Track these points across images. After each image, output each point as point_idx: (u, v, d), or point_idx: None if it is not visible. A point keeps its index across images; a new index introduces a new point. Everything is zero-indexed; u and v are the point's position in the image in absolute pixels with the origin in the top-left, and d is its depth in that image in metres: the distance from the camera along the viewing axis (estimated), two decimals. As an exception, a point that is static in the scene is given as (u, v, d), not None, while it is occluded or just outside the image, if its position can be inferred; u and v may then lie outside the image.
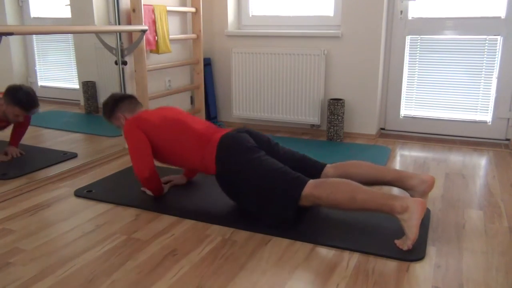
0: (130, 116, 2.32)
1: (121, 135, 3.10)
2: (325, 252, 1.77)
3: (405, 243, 1.75)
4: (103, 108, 2.37)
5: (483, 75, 3.27)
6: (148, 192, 2.29)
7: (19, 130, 2.73)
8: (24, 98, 2.58)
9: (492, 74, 3.25)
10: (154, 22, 3.14)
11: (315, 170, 2.14)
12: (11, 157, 2.70)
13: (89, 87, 3.13)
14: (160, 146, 2.17)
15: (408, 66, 3.48)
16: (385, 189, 2.36)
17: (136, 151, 2.15)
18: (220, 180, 2.09)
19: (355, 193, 1.80)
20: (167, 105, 3.50)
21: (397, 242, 1.79)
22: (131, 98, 2.40)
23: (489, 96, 3.29)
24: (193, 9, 3.55)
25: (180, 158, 2.16)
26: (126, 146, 3.11)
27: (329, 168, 2.15)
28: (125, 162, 2.91)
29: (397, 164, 2.88)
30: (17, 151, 2.72)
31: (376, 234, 1.90)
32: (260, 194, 1.94)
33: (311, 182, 1.89)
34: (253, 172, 1.95)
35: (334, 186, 1.84)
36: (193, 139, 2.11)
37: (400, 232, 1.85)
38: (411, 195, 2.03)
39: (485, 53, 3.22)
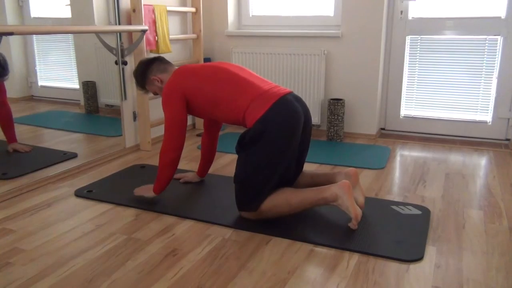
0: (164, 77, 2.21)
1: (121, 135, 3.10)
2: (325, 252, 1.77)
3: (352, 223, 1.92)
4: (135, 78, 2.30)
5: (483, 75, 3.27)
6: (147, 194, 2.23)
7: (3, 122, 2.65)
8: None
9: (492, 74, 3.25)
10: (154, 22, 3.14)
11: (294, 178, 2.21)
12: (24, 151, 2.68)
13: (89, 87, 3.13)
14: (204, 93, 2.06)
15: (408, 66, 3.48)
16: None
17: (170, 127, 2.08)
18: (244, 136, 1.98)
19: (289, 197, 1.95)
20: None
21: (349, 225, 1.94)
22: (160, 59, 2.28)
23: (489, 96, 3.29)
24: (193, 9, 3.55)
25: (225, 105, 2.03)
26: (126, 146, 3.11)
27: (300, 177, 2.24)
28: (125, 162, 2.91)
29: (397, 164, 2.88)
30: (23, 146, 2.70)
31: (375, 234, 1.90)
32: (249, 175, 1.95)
33: (265, 202, 1.96)
34: (259, 158, 1.92)
35: (273, 198, 1.96)
36: (243, 86, 2.01)
37: (399, 230, 1.85)
38: None
39: (485, 53, 3.22)
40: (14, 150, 2.68)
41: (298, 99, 2.05)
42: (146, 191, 2.24)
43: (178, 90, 2.10)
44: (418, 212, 2.11)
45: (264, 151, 1.92)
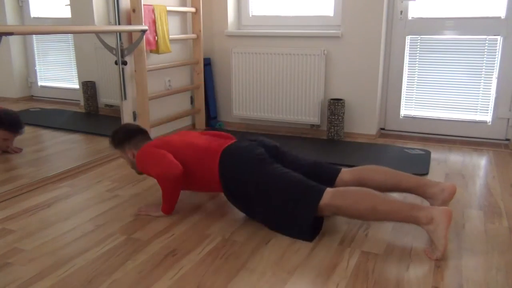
0: (136, 152, 2.17)
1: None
2: (325, 252, 1.77)
3: (434, 253, 1.71)
4: (112, 139, 2.25)
5: (483, 75, 3.27)
6: (155, 214, 2.09)
7: None
8: (8, 119, 2.58)
9: (492, 74, 3.25)
10: (154, 22, 3.14)
11: (330, 175, 2.05)
12: (14, 152, 2.69)
13: (89, 87, 3.13)
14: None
15: (408, 66, 3.48)
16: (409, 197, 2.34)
17: (158, 159, 2.01)
18: (228, 195, 2.02)
19: (378, 204, 1.74)
20: (167, 105, 3.51)
21: (426, 250, 1.74)
22: (143, 134, 2.25)
23: (489, 96, 3.29)
24: (193, 9, 3.55)
25: (196, 181, 2.07)
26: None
27: (345, 173, 2.05)
28: (125, 161, 2.91)
29: (397, 164, 2.88)
30: (13, 148, 2.71)
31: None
32: (273, 207, 1.87)
33: (328, 191, 1.80)
34: (263, 185, 1.88)
35: (355, 196, 1.77)
36: (200, 157, 2.02)
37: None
38: (431, 204, 1.97)
39: (485, 53, 3.22)
40: (3, 152, 2.69)
41: (246, 139, 2.10)
42: (154, 210, 2.11)
43: (155, 147, 2.08)
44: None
45: (253, 184, 1.90)
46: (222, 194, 2.25)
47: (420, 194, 1.99)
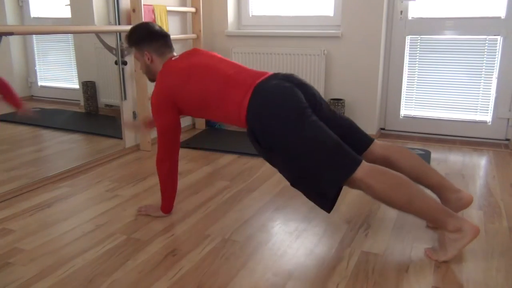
0: (156, 60, 2.00)
1: (121, 137, 3.09)
2: (325, 251, 1.77)
3: (437, 255, 1.69)
4: (131, 33, 2.03)
5: (483, 75, 3.27)
6: (155, 214, 2.08)
7: (3, 93, 2.62)
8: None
9: (492, 74, 3.25)
10: (154, 22, 3.14)
11: (362, 143, 1.91)
12: (32, 113, 2.64)
13: (89, 87, 3.13)
14: (194, 100, 1.88)
15: (408, 66, 3.48)
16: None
17: (163, 135, 1.93)
18: (252, 139, 1.79)
19: (413, 198, 1.64)
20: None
21: (427, 251, 1.73)
22: (165, 40, 2.02)
23: (489, 96, 3.29)
24: (193, 9, 3.55)
25: (217, 111, 1.87)
26: (126, 146, 3.11)
27: (377, 146, 1.92)
28: (125, 161, 2.91)
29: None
30: (31, 110, 2.65)
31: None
32: (303, 165, 1.69)
33: (365, 165, 1.66)
34: (298, 139, 1.68)
35: (393, 182, 1.65)
36: (228, 88, 1.81)
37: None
38: (443, 204, 1.90)
39: (485, 53, 3.22)
40: (23, 115, 2.63)
41: (286, 77, 1.84)
42: (153, 210, 2.09)
43: (165, 97, 1.91)
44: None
45: (284, 135, 1.69)
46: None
47: (437, 193, 1.93)
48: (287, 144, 1.70)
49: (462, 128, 3.42)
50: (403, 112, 3.58)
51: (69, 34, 2.98)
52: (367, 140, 1.93)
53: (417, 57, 3.43)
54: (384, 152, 1.91)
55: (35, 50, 2.88)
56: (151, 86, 3.25)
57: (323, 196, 1.71)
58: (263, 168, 2.78)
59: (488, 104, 3.31)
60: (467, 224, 1.66)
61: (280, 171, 1.81)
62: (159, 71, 2.00)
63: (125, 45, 2.07)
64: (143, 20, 2.97)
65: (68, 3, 2.88)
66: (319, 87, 3.46)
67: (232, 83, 1.81)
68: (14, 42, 2.76)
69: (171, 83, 1.90)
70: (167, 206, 2.07)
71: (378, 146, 1.93)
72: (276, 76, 1.84)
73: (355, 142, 1.89)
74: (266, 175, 2.64)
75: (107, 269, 1.64)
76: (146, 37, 1.99)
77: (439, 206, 1.67)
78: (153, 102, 1.94)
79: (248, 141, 3.27)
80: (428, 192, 1.99)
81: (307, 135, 1.69)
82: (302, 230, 1.95)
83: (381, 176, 1.65)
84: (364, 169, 1.65)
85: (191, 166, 2.82)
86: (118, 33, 2.93)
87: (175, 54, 2.05)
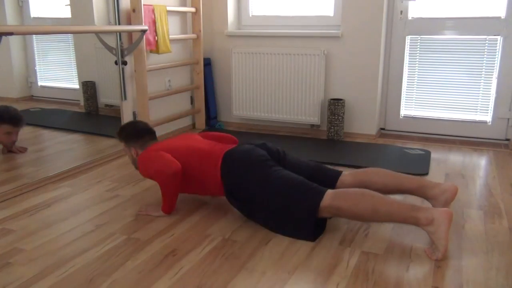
0: (140, 152, 2.20)
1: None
2: (325, 252, 1.77)
3: (434, 253, 1.71)
4: (121, 131, 2.26)
5: (483, 75, 3.27)
6: (155, 213, 2.10)
7: None
8: (8, 113, 2.60)
9: (492, 74, 3.25)
10: (154, 22, 3.14)
11: (331, 178, 2.07)
12: (19, 152, 2.71)
13: (89, 87, 3.13)
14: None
15: (408, 66, 3.48)
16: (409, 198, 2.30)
17: (157, 158, 2.04)
18: (230, 198, 2.02)
19: (378, 205, 1.75)
20: (167, 105, 3.51)
21: (426, 250, 1.74)
22: (151, 135, 2.26)
23: (489, 96, 3.29)
24: (193, 9, 3.55)
25: (198, 185, 2.08)
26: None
27: (346, 176, 2.07)
28: (125, 161, 2.91)
29: (397, 164, 2.88)
30: (18, 147, 2.72)
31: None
32: (275, 209, 1.88)
33: (329, 192, 1.82)
34: (265, 187, 1.89)
35: (355, 197, 1.78)
36: (203, 161, 2.04)
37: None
38: (433, 205, 1.97)
39: (485, 53, 3.22)
40: (9, 151, 2.69)
41: (249, 143, 2.12)
42: (154, 210, 2.12)
43: (156, 150, 2.09)
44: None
45: (253, 186, 1.91)
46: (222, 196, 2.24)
47: (422, 196, 2.00)
48: (258, 191, 1.90)
49: (462, 128, 3.42)
50: (403, 112, 3.58)
51: (69, 34, 2.98)
52: (335, 174, 2.09)
53: (417, 57, 3.43)
54: (356, 178, 2.05)
55: (35, 50, 2.88)
56: (151, 86, 3.25)
57: (303, 229, 1.84)
58: (263, 168, 2.77)
59: (488, 104, 3.31)
60: (437, 212, 1.71)
61: (261, 221, 1.97)
62: None
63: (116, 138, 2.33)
64: (143, 20, 2.97)
65: (68, 3, 2.88)
66: (319, 87, 3.46)
67: (207, 157, 2.05)
68: (14, 42, 2.76)
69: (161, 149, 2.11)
70: (168, 207, 2.08)
71: (348, 175, 2.07)
72: (241, 143, 2.12)
73: (325, 178, 2.07)
74: (266, 175, 2.64)
75: (107, 269, 1.64)
76: (132, 135, 2.23)
77: (404, 205, 1.75)
78: (144, 156, 2.11)
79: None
80: (416, 199, 2.11)
81: (273, 179, 1.89)
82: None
83: (344, 196, 1.80)
84: (329, 196, 1.81)
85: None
86: (118, 33, 2.93)
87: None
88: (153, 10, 3.12)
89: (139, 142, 2.21)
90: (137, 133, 2.23)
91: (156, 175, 2.02)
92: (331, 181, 2.06)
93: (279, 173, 1.93)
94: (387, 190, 1.99)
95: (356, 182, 2.03)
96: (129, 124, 2.32)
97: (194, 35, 3.60)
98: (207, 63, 3.86)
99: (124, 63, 3.00)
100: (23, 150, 2.74)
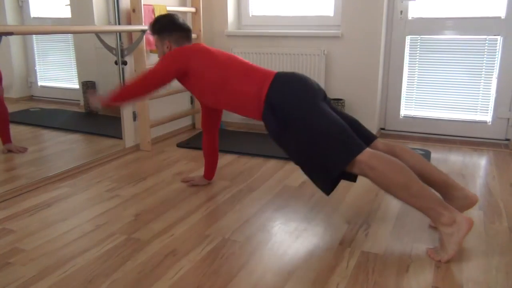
0: (174, 47, 2.15)
1: (121, 137, 3.10)
2: (325, 252, 1.77)
3: (439, 255, 1.69)
4: (155, 22, 2.17)
5: (483, 75, 3.27)
6: (202, 182, 2.44)
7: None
8: None
9: (492, 74, 3.25)
10: (154, 22, 3.13)
11: (365, 138, 1.97)
12: (19, 152, 2.69)
13: (89, 87, 3.13)
14: (211, 78, 2.01)
15: (408, 66, 3.48)
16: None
17: (144, 80, 2.02)
18: (269, 116, 1.91)
19: (412, 182, 1.69)
20: (167, 105, 3.51)
21: (429, 251, 1.73)
22: (187, 31, 2.19)
23: (489, 96, 3.29)
24: (193, 9, 3.55)
25: (236, 99, 1.99)
26: (126, 146, 3.11)
27: (379, 143, 1.98)
28: (125, 161, 2.91)
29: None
30: (18, 148, 2.71)
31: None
32: (312, 143, 1.80)
33: (368, 150, 1.75)
34: (312, 116, 1.81)
35: (393, 165, 1.71)
36: (248, 75, 1.97)
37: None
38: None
39: (485, 53, 3.22)
40: (9, 151, 2.69)
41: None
42: (199, 180, 2.44)
43: (181, 62, 2.04)
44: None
45: (302, 110, 1.83)
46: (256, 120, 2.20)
47: (442, 193, 1.92)
48: (303, 119, 1.82)
49: (462, 128, 3.42)
50: (403, 112, 3.58)
51: (69, 34, 2.98)
52: (370, 136, 1.99)
53: (417, 57, 3.43)
54: (387, 148, 1.96)
55: (35, 50, 2.88)
56: (151, 86, 3.25)
57: (326, 176, 1.79)
58: (263, 168, 2.78)
59: (488, 104, 3.31)
60: (460, 217, 1.68)
61: (287, 151, 1.91)
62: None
63: (149, 30, 2.22)
64: (143, 20, 2.97)
65: (68, 3, 2.88)
66: (319, 87, 3.46)
67: (254, 70, 1.99)
68: (14, 42, 2.76)
69: (192, 54, 2.04)
70: (209, 172, 2.38)
71: (381, 143, 1.98)
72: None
73: (360, 135, 1.95)
74: (266, 175, 2.64)
75: (107, 269, 1.64)
76: (169, 27, 2.14)
77: (434, 196, 1.70)
78: (170, 53, 2.06)
79: (248, 141, 3.27)
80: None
81: (321, 115, 1.82)
82: (302, 230, 1.95)
83: (383, 158, 1.73)
84: (368, 153, 1.74)
85: (191, 166, 2.82)
86: (118, 33, 2.93)
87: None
88: (153, 10, 3.12)
89: (174, 36, 2.14)
90: (176, 26, 2.15)
91: (144, 76, 2.03)
92: (366, 140, 1.96)
93: (327, 110, 1.85)
94: (413, 171, 1.88)
95: (388, 152, 1.94)
96: (167, 15, 2.20)
97: (194, 35, 3.60)
98: (207, 63, 3.86)
99: (124, 63, 3.00)
100: (23, 150, 2.74)
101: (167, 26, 2.15)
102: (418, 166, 1.91)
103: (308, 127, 1.81)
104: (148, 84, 2.04)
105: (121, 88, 2.03)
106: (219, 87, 2.00)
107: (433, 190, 1.76)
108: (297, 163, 1.90)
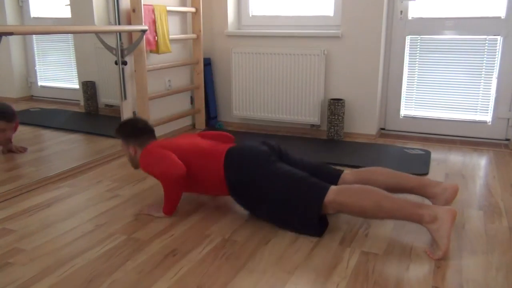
0: (139, 151, 2.17)
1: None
2: (325, 251, 1.77)
3: (435, 253, 1.71)
4: (120, 128, 2.23)
5: (483, 75, 3.27)
6: (157, 214, 2.09)
7: None
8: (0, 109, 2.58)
9: (492, 74, 3.25)
10: (154, 22, 3.14)
11: (332, 176, 2.07)
12: (19, 152, 2.70)
13: (89, 87, 3.13)
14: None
15: (408, 66, 3.48)
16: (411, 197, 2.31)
17: (162, 158, 2.02)
18: (234, 195, 2.04)
19: (382, 201, 1.76)
20: (167, 105, 3.51)
21: (427, 251, 1.74)
22: (150, 134, 2.24)
23: (489, 96, 3.29)
24: (193, 9, 3.55)
25: (201, 184, 2.08)
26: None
27: (347, 175, 2.08)
28: (125, 161, 2.91)
29: (397, 164, 2.88)
30: (18, 147, 2.72)
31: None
32: (279, 205, 1.88)
33: (333, 188, 1.83)
34: (269, 182, 1.90)
35: (359, 193, 1.79)
36: (206, 159, 2.04)
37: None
38: (434, 204, 1.98)
39: (485, 53, 3.22)
40: (9, 151, 2.69)
41: (249, 142, 2.13)
42: (155, 210, 2.11)
43: (160, 147, 2.09)
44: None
45: (257, 182, 1.93)
46: (223, 196, 2.24)
47: (423, 194, 2.01)
48: (262, 185, 1.91)
49: (462, 128, 3.42)
50: (403, 112, 3.58)
51: (69, 34, 2.98)
52: (336, 173, 2.10)
53: (417, 57, 3.43)
54: (356, 177, 2.06)
55: (35, 50, 2.88)
56: (151, 86, 3.25)
57: (309, 225, 1.85)
58: (263, 168, 2.77)
59: (488, 104, 3.31)
60: (440, 210, 1.72)
61: (266, 217, 1.98)
62: None
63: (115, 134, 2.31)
64: (143, 20, 2.97)
65: (68, 3, 2.88)
66: (319, 87, 3.46)
67: (207, 155, 2.06)
68: (14, 42, 2.76)
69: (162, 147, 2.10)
70: (170, 209, 2.07)
71: (349, 174, 2.08)
72: (241, 141, 2.14)
73: (327, 176, 2.07)
74: (266, 175, 2.64)
75: (107, 269, 1.64)
76: (132, 133, 2.21)
77: (408, 202, 1.75)
78: (144, 154, 2.11)
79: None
80: (416, 197, 2.08)
81: (277, 174, 1.90)
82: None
83: (347, 191, 1.81)
84: (333, 192, 1.82)
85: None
86: (118, 33, 2.93)
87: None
88: (153, 10, 3.12)
89: (139, 141, 2.19)
90: (137, 131, 2.21)
91: (161, 176, 2.01)
92: (333, 179, 2.07)
93: (283, 168, 1.94)
94: (388, 189, 1.97)
95: (358, 180, 2.04)
96: (129, 121, 2.29)
97: (194, 35, 3.60)
98: (207, 63, 3.86)
99: (124, 63, 3.00)
100: (23, 150, 2.74)
101: (129, 132, 2.21)
102: (391, 180, 2.02)
103: (270, 196, 1.90)
104: (169, 158, 2.02)
105: (166, 198, 2.06)
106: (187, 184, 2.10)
107: (405, 196, 1.84)
108: (278, 225, 1.95)
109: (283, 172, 1.92)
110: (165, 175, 1.99)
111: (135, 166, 2.25)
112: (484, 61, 3.24)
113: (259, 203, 1.96)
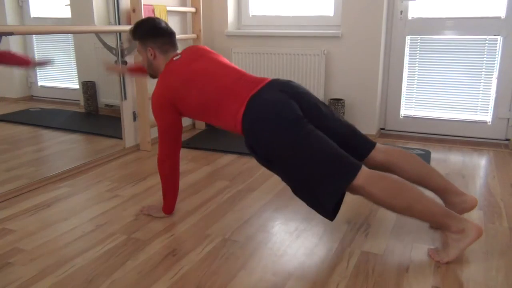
0: (159, 57, 1.98)
1: (121, 137, 3.09)
2: (325, 251, 1.77)
3: (440, 256, 1.69)
4: (136, 27, 2.00)
5: (483, 75, 3.27)
6: (157, 214, 2.08)
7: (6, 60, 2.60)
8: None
9: (492, 74, 3.25)
10: (154, 22, 3.13)
11: (363, 149, 1.89)
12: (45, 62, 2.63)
13: (88, 87, 3.13)
14: (193, 105, 1.89)
15: (408, 66, 3.48)
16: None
17: (163, 134, 1.95)
18: (252, 153, 1.82)
19: (414, 202, 1.63)
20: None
21: (430, 251, 1.73)
22: (170, 38, 2.00)
23: (489, 96, 3.29)
24: (193, 9, 3.55)
25: (215, 119, 1.88)
26: (126, 146, 3.11)
27: (378, 152, 1.89)
28: (125, 161, 2.91)
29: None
30: (40, 61, 2.65)
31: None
32: (302, 176, 1.69)
33: (364, 171, 1.65)
34: (295, 153, 1.68)
35: (392, 189, 1.64)
36: (223, 99, 1.81)
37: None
38: (447, 207, 1.88)
39: (485, 53, 3.22)
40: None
41: (282, 86, 1.82)
42: (155, 211, 2.09)
43: (165, 99, 1.91)
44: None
45: (286, 142, 1.68)
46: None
47: (441, 197, 1.92)
48: (283, 156, 1.71)
49: (462, 128, 3.42)
50: (403, 112, 3.58)
51: (69, 34, 2.98)
52: (368, 145, 1.90)
53: (417, 57, 3.43)
54: (386, 157, 1.89)
55: (35, 50, 2.88)
56: (151, 86, 3.25)
57: (323, 208, 1.70)
58: (263, 168, 2.78)
59: (488, 104, 3.31)
60: (470, 225, 1.66)
61: (282, 180, 1.82)
62: (161, 70, 2.01)
63: (128, 38, 2.05)
64: (143, 20, 2.96)
65: (68, 3, 2.88)
66: (319, 87, 3.46)
67: (228, 95, 1.81)
68: (14, 42, 2.76)
69: (172, 86, 1.90)
70: (168, 206, 2.07)
71: (380, 151, 1.90)
72: (271, 85, 1.81)
73: (357, 147, 1.88)
74: (266, 175, 2.64)
75: (107, 269, 1.64)
76: (151, 32, 1.97)
77: (440, 209, 1.66)
78: (154, 101, 1.95)
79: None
80: (432, 194, 1.99)
81: (303, 146, 1.67)
82: (302, 230, 1.95)
83: (380, 182, 1.64)
84: (364, 176, 1.64)
85: (191, 166, 2.82)
86: (118, 33, 2.93)
87: (178, 52, 2.03)
88: (153, 10, 3.12)
89: (158, 42, 1.97)
90: (157, 30, 1.98)
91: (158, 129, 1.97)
92: (363, 152, 1.89)
93: (312, 136, 1.69)
94: (411, 179, 1.87)
95: (386, 161, 1.89)
96: (147, 19, 2.02)
97: (194, 35, 3.60)
98: (207, 63, 3.86)
99: (124, 63, 3.00)
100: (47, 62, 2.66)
101: (150, 31, 1.98)
102: (418, 172, 1.88)
103: (292, 161, 1.69)
104: (169, 140, 1.96)
105: (158, 165, 2.00)
106: (201, 113, 1.91)
107: (436, 200, 1.74)
108: (293, 192, 1.80)
109: (311, 142, 1.68)
110: (158, 156, 1.98)
111: (152, 73, 2.06)
112: (484, 61, 3.24)
113: (278, 166, 1.76)
